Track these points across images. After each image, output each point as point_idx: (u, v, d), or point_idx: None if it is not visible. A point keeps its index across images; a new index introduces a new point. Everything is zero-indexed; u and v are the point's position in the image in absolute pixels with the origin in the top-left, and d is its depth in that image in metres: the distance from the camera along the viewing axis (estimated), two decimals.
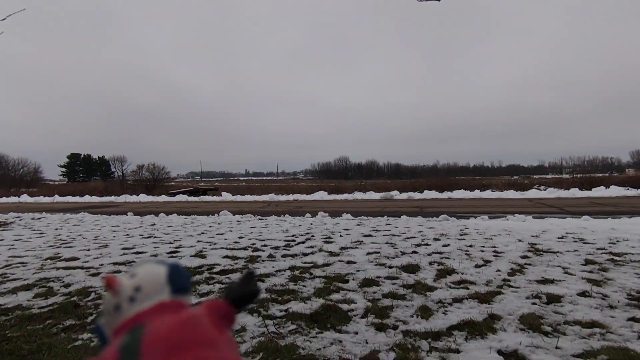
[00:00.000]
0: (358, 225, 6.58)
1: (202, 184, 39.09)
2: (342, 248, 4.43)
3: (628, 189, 14.23)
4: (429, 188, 18.89)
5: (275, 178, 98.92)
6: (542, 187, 19.24)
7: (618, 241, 4.38)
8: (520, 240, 4.58)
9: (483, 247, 4.25)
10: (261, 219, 8.29)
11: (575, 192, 14.12)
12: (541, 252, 3.91)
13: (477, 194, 15.73)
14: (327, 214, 8.68)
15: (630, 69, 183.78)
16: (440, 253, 3.98)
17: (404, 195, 16.83)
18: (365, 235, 5.30)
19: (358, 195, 18.13)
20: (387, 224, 6.52)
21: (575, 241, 4.47)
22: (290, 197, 18.57)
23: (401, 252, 4.08)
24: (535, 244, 4.33)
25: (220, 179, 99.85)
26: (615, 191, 13.87)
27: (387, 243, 4.63)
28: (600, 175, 26.11)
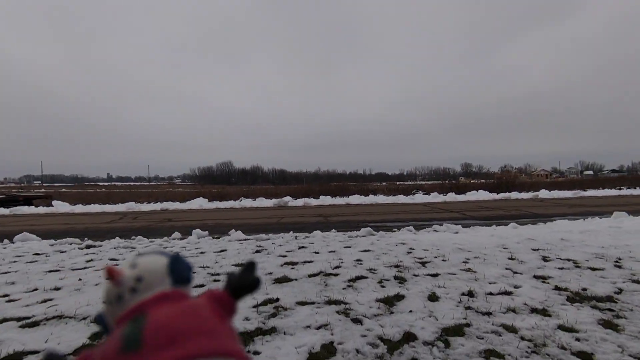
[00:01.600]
0: (257, 252, 4.26)
1: (35, 191, 29.27)
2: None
3: (495, 193, 16.12)
4: (323, 193, 17.82)
5: (146, 183, 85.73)
6: (419, 192, 20.66)
7: None
8: (545, 260, 3.17)
9: (490, 294, 2.60)
10: (82, 249, 5.03)
11: (455, 196, 15.11)
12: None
13: (372, 199, 15.33)
14: (206, 232, 6.00)
15: (466, 101, 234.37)
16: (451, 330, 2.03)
17: (299, 202, 15.18)
18: (275, 282, 2.91)
19: (246, 202, 15.56)
20: (301, 247, 4.41)
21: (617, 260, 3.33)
22: (158, 205, 14.58)
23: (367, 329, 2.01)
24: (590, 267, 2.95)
25: (69, 184, 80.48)
26: (484, 195, 15.46)
27: (328, 303, 2.38)
28: (461, 182, 30.42)
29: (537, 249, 3.83)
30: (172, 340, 0.31)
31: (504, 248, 3.95)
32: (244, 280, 0.42)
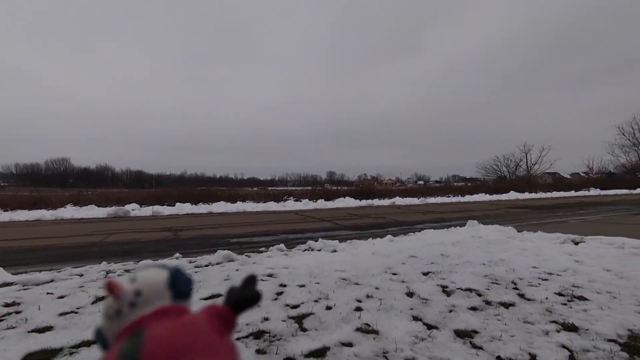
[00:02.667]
0: None
1: None
2: None
3: (359, 200, 16.91)
4: (182, 199, 15.11)
5: None
6: (290, 198, 20.23)
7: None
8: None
9: None
10: None
11: (325, 203, 15.09)
12: None
13: (240, 206, 13.73)
14: None
15: (332, 114, 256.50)
16: None
17: (148, 210, 12.23)
18: None
19: (66, 212, 11.56)
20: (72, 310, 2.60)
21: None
22: None
23: None
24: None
25: None
26: (351, 202, 16.02)
27: None
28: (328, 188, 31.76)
29: (427, 273, 3.20)
30: (169, 356, 0.30)
31: (394, 274, 3.17)
32: (244, 295, 0.42)
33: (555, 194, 24.14)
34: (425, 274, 3.18)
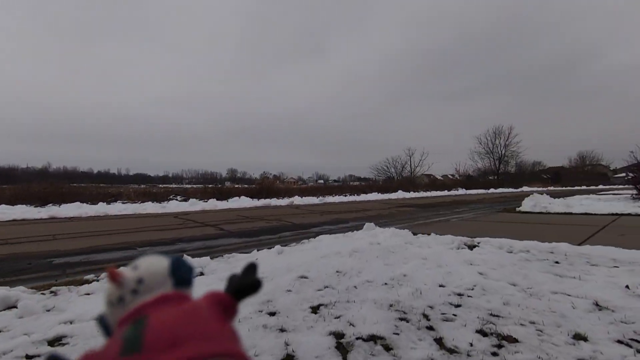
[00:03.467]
0: None
1: None
2: None
3: (256, 199, 15.63)
4: (18, 199, 11.35)
5: None
6: (176, 198, 17.70)
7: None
8: None
9: None
10: None
11: (216, 203, 13.36)
12: None
13: (102, 208, 10.93)
14: None
15: (235, 110, 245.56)
16: None
17: None
18: None
19: None
20: None
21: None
22: None
23: None
24: None
25: None
26: (246, 202, 14.64)
27: None
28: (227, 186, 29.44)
29: (318, 307, 2.31)
30: (172, 342, 0.31)
31: (271, 314, 2.18)
32: (245, 282, 0.42)
33: (432, 193, 27.37)
34: (316, 309, 2.29)
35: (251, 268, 0.44)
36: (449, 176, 63.36)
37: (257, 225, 7.83)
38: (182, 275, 0.40)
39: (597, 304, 2.23)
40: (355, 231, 5.64)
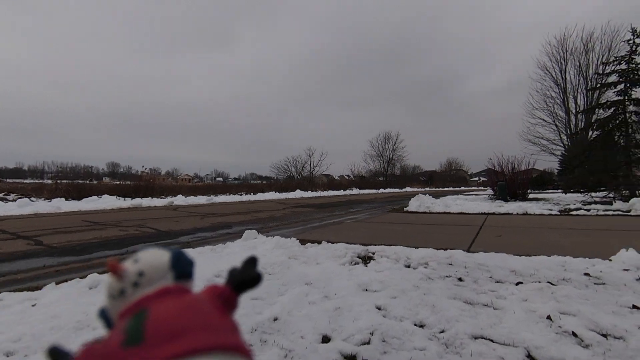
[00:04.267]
0: None
1: None
2: None
3: (121, 199, 12.68)
4: None
5: None
6: (8, 196, 13.35)
7: None
8: None
9: None
10: None
11: (61, 205, 10.19)
12: None
13: None
14: None
15: (119, 100, 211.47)
16: None
17: None
18: None
19: None
20: None
21: None
22: None
23: None
24: None
25: None
26: (108, 202, 11.68)
27: None
28: (88, 182, 24.25)
29: None
30: (173, 334, 0.31)
31: None
32: (245, 275, 0.42)
33: (330, 193, 27.92)
34: None
35: (251, 262, 0.44)
36: (345, 177, 67.21)
37: (104, 235, 5.83)
38: (182, 269, 0.40)
39: (530, 357, 1.58)
40: (229, 242, 4.41)
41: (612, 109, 9.99)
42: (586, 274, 2.66)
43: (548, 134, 27.19)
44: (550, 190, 24.93)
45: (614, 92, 10.03)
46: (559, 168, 36.72)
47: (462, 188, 57.16)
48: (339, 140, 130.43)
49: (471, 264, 3.10)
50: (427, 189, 55.54)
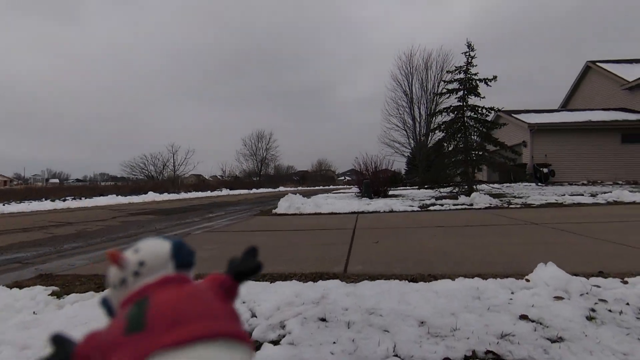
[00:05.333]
0: None
1: None
2: None
3: None
4: None
5: None
6: None
7: None
8: None
9: None
10: None
11: None
12: None
13: None
14: None
15: None
16: None
17: None
18: None
19: None
20: None
21: None
22: None
23: None
24: None
25: None
26: None
27: None
28: None
29: None
30: (175, 321, 0.31)
31: None
32: (245, 265, 0.42)
33: (195, 194, 24.55)
34: None
35: (252, 251, 0.43)
36: (218, 177, 62.69)
37: None
38: (183, 258, 0.40)
39: None
40: None
41: (455, 113, 11.16)
42: (523, 317, 1.67)
43: (400, 138, 30.85)
44: (401, 188, 28.33)
45: (456, 98, 11.22)
46: (406, 168, 42.81)
47: (331, 187, 61.08)
48: (213, 139, 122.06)
49: (356, 313, 1.80)
50: (300, 188, 57.02)
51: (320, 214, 8.77)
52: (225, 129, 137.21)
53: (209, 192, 28.18)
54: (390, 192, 17.91)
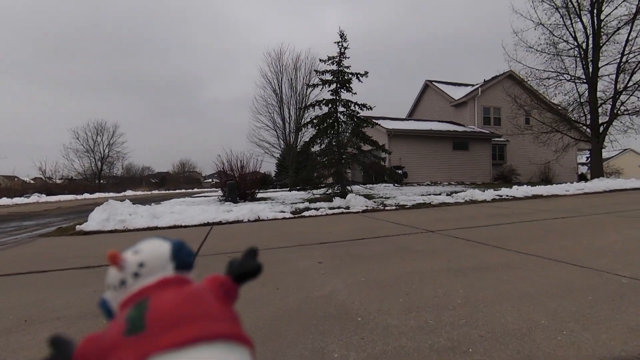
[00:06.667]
0: None
1: None
2: None
3: None
4: None
5: None
6: None
7: None
8: None
9: None
10: None
11: None
12: None
13: None
14: None
15: None
16: None
17: None
18: None
19: None
20: None
21: None
22: None
23: None
24: None
25: None
26: None
27: None
28: None
29: None
30: (174, 323, 0.31)
31: None
32: (245, 266, 0.41)
33: None
34: None
35: (252, 253, 0.43)
36: (46, 178, 47.62)
37: None
38: (183, 259, 0.40)
39: None
40: None
41: (328, 106, 10.20)
42: None
43: (270, 138, 29.48)
44: (272, 190, 27.01)
45: (329, 91, 10.28)
46: (276, 170, 42.00)
47: (195, 189, 55.15)
48: (39, 131, 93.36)
49: None
50: (156, 191, 49.08)
51: (156, 228, 6.11)
52: (57, 118, 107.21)
53: (4, 198, 19.88)
54: (260, 195, 16.11)
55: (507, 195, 8.76)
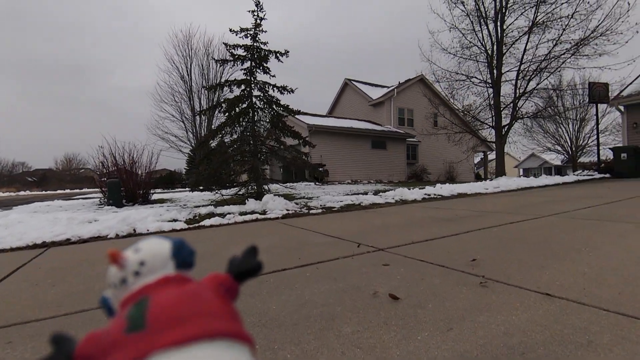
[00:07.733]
0: None
1: None
2: None
3: None
4: None
5: None
6: None
7: None
8: None
9: None
10: None
11: None
12: None
13: None
14: None
15: None
16: None
17: None
18: None
19: None
20: None
21: None
22: None
23: None
24: None
25: None
26: None
27: None
28: None
29: None
30: (175, 321, 0.31)
31: None
32: (246, 264, 0.41)
33: None
34: None
35: (252, 251, 0.43)
36: None
37: None
38: (183, 258, 0.40)
39: None
40: None
41: (241, 88, 8.40)
42: None
43: (177, 131, 25.88)
44: (179, 189, 23.59)
45: (242, 69, 8.49)
46: (187, 167, 37.61)
47: (85, 190, 46.42)
48: None
49: None
50: (28, 192, 39.83)
51: None
52: None
53: None
54: (160, 196, 13.31)
55: (434, 194, 8.26)
